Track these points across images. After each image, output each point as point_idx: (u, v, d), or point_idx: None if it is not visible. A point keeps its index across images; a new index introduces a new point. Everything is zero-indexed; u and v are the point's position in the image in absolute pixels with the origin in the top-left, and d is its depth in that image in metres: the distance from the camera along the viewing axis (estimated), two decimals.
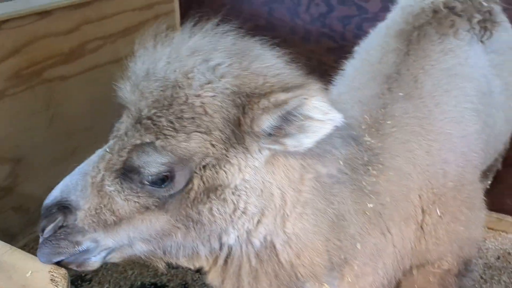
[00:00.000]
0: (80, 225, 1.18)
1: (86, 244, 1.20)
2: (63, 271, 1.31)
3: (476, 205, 1.82)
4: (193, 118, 1.13)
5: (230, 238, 1.26)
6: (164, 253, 1.27)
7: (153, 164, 1.13)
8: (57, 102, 3.24)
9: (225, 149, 1.16)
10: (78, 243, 1.20)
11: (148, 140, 1.13)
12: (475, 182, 1.81)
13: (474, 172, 1.79)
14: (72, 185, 1.19)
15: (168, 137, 1.13)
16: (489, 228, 4.32)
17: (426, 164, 1.67)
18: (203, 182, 1.17)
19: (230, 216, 1.22)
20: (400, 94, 1.71)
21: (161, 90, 1.15)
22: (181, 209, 1.19)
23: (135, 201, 1.17)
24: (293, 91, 1.13)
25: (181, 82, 1.16)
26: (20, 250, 1.34)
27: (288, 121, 1.15)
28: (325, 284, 1.45)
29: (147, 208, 1.18)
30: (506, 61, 2.08)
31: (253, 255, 1.31)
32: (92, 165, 1.20)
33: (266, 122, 1.14)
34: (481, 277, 3.80)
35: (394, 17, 1.91)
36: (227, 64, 1.19)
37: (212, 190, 1.19)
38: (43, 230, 1.19)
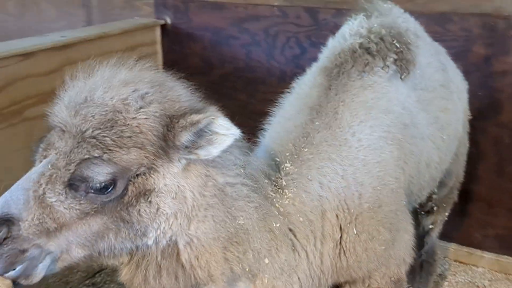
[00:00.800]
0: (24, 234, 1.35)
1: (31, 251, 1.36)
2: (7, 281, 1.45)
3: (396, 226, 1.97)
4: (130, 136, 1.40)
5: (149, 238, 1.48)
6: (99, 254, 1.46)
7: (101, 173, 1.36)
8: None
9: (154, 160, 1.43)
10: (25, 251, 1.35)
11: (96, 155, 1.37)
12: (395, 205, 1.96)
13: (392, 196, 1.94)
14: (12, 200, 1.37)
15: (113, 151, 1.37)
16: (459, 262, 4.42)
17: (341, 187, 1.85)
18: (135, 188, 1.41)
19: (153, 216, 1.45)
20: (321, 124, 1.90)
21: (103, 114, 1.40)
22: (116, 212, 1.41)
23: (76, 209, 1.38)
24: (204, 113, 1.44)
25: (119, 108, 1.42)
26: None
27: (200, 136, 1.44)
28: None
29: (87, 214, 1.39)
30: (435, 97, 2.28)
31: (160, 252, 1.51)
32: (32, 181, 1.39)
33: (185, 137, 1.43)
34: None
35: (322, 56, 2.13)
36: (152, 93, 1.47)
37: (141, 195, 1.43)
38: None
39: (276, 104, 2.11)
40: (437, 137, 2.26)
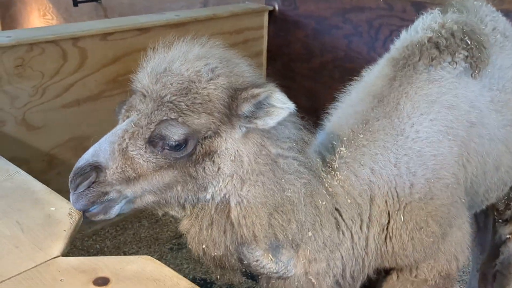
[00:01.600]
0: (109, 179, 1.60)
1: (112, 194, 1.62)
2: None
3: (448, 221, 1.98)
4: (201, 103, 1.60)
5: (208, 193, 1.68)
6: (166, 202, 1.68)
7: (176, 133, 1.57)
8: None
9: (220, 125, 1.62)
10: (107, 193, 1.61)
11: (173, 117, 1.58)
12: (448, 200, 1.96)
13: (446, 191, 1.95)
14: (101, 151, 1.62)
15: (187, 115, 1.58)
16: None
17: (393, 174, 1.90)
18: (202, 148, 1.62)
19: (215, 174, 1.65)
20: (381, 113, 1.96)
21: (179, 83, 1.61)
22: (185, 167, 1.62)
23: (153, 162, 1.60)
24: (263, 87, 1.61)
25: (193, 78, 1.62)
26: (54, 192, 1.80)
27: (259, 108, 1.62)
28: (270, 255, 1.77)
29: (161, 167, 1.61)
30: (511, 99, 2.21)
31: (214, 207, 1.70)
32: (117, 136, 1.63)
33: (246, 107, 1.61)
34: None
35: (393, 48, 2.17)
36: (220, 67, 1.66)
37: (207, 154, 1.63)
38: (77, 186, 1.59)
39: (344, 91, 2.20)
40: (510, 140, 2.19)
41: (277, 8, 4.75)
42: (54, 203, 1.74)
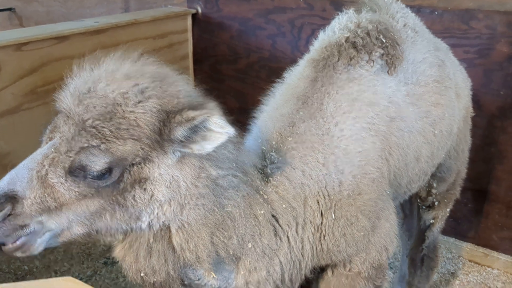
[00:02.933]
0: (27, 211, 1.48)
1: (32, 226, 1.50)
2: None
3: (376, 214, 2.05)
4: (128, 129, 1.50)
5: (143, 222, 1.60)
6: (96, 232, 1.59)
7: (98, 162, 1.47)
8: None
9: (149, 152, 1.53)
10: (26, 226, 1.49)
11: (94, 144, 1.48)
12: (375, 194, 2.04)
13: (372, 185, 2.02)
14: (18, 178, 1.50)
15: (110, 142, 1.48)
16: (474, 262, 4.41)
17: (322, 174, 1.94)
18: (131, 176, 1.53)
19: (148, 202, 1.57)
20: (306, 114, 2.00)
21: (103, 106, 1.51)
22: (112, 196, 1.53)
23: (75, 191, 1.50)
24: (200, 110, 1.54)
25: (119, 101, 1.52)
26: None
27: (195, 132, 1.55)
28: (212, 273, 1.76)
29: (85, 196, 1.51)
30: (427, 92, 2.32)
31: (152, 235, 1.64)
32: (36, 162, 1.52)
33: (179, 132, 1.53)
34: None
35: (312, 49, 2.22)
36: (152, 88, 1.56)
37: (136, 182, 1.55)
38: None
39: (268, 93, 2.22)
40: (427, 131, 2.31)
41: (200, 11, 4.73)
42: None
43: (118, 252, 1.69)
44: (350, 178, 1.98)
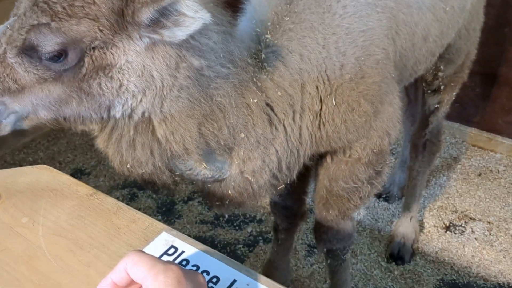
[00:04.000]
0: None
1: None
2: None
3: (379, 98, 1.94)
4: (82, 6, 1.33)
5: (116, 112, 1.49)
6: (65, 119, 1.49)
7: (48, 43, 1.33)
8: None
9: (111, 35, 1.37)
10: None
11: (44, 21, 1.32)
12: (379, 77, 1.90)
13: (377, 67, 1.88)
14: None
15: (62, 20, 1.32)
16: (478, 147, 4.40)
17: (322, 57, 1.79)
18: (92, 61, 1.39)
19: (116, 91, 1.44)
20: None
21: None
22: (75, 81, 1.40)
23: (34, 73, 1.38)
24: None
25: None
26: None
27: (165, 16, 1.36)
28: (204, 163, 1.68)
29: (45, 80, 1.39)
30: None
31: (132, 127, 1.53)
32: None
33: (145, 14, 1.35)
34: (457, 191, 3.94)
35: None
36: None
37: (100, 68, 1.41)
38: None
39: None
40: (438, 7, 2.12)
41: None
42: None
43: (100, 143, 1.60)
44: (353, 60, 1.84)
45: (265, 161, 1.82)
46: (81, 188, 1.58)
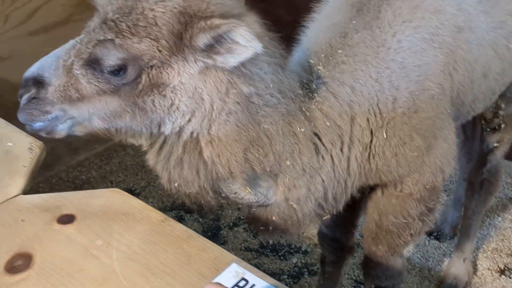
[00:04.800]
0: (50, 98, 1.50)
1: (55, 112, 1.53)
2: (40, 143, 1.65)
3: (433, 133, 1.90)
4: (145, 26, 1.44)
5: (166, 129, 1.56)
6: (116, 131, 1.58)
7: (111, 57, 1.44)
8: None
9: (168, 56, 1.46)
10: (47, 112, 1.52)
11: (109, 37, 1.44)
12: (433, 112, 1.87)
13: (431, 102, 1.85)
14: (47, 65, 1.51)
15: (125, 37, 1.44)
16: None
17: (374, 90, 1.79)
18: (149, 79, 1.48)
19: (168, 109, 1.52)
20: (360, 23, 1.81)
21: (124, 0, 1.46)
22: (131, 96, 1.50)
23: (95, 85, 1.49)
24: (227, 19, 1.43)
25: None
26: (11, 124, 1.71)
27: (220, 42, 1.45)
28: (248, 188, 1.70)
29: (104, 92, 1.50)
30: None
31: (181, 145, 1.58)
32: (64, 52, 1.52)
33: (202, 39, 1.44)
34: None
35: None
36: None
37: (155, 86, 1.49)
38: (20, 97, 1.52)
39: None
40: (500, 44, 2.06)
41: None
42: (12, 137, 1.64)
43: (150, 160, 1.67)
44: (406, 94, 1.81)
45: (310, 189, 1.81)
46: (152, 213, 1.62)
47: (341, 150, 1.82)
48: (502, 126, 2.70)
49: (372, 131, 1.83)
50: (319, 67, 1.80)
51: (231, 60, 1.46)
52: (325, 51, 1.83)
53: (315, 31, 1.93)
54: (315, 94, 1.77)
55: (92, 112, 1.52)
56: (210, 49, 1.45)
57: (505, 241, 3.62)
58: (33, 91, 1.49)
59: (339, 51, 1.80)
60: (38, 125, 1.55)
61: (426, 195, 2.04)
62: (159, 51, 1.44)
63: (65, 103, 1.51)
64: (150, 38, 1.43)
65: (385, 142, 1.84)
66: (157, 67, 1.47)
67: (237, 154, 1.60)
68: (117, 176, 4.25)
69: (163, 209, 3.90)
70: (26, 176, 1.47)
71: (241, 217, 3.81)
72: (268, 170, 1.68)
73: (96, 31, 1.46)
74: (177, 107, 1.51)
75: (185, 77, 1.48)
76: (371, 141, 1.85)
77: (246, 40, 1.41)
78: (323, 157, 1.80)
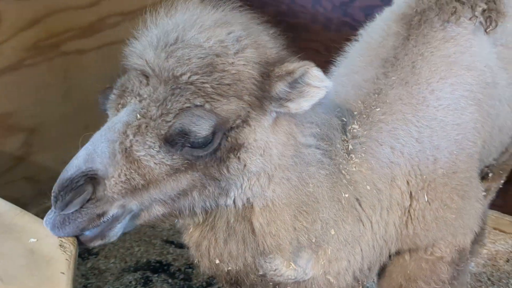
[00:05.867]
0: (109, 194, 1.20)
1: (112, 212, 1.23)
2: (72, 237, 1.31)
3: (469, 194, 1.82)
4: (230, 84, 1.26)
5: (230, 198, 1.37)
6: (178, 212, 1.35)
7: (203, 126, 1.21)
8: (73, 76, 3.27)
9: (250, 112, 1.30)
10: (104, 213, 1.22)
11: (198, 103, 1.22)
12: (470, 171, 1.80)
13: (468, 161, 1.78)
14: (97, 154, 1.21)
15: (215, 100, 1.23)
16: (500, 231, 4.26)
17: (415, 151, 1.68)
18: (228, 142, 1.29)
19: (240, 173, 1.33)
20: (396, 79, 1.71)
21: (200, 58, 1.25)
22: (206, 168, 1.28)
23: (167, 164, 1.23)
24: (297, 62, 1.32)
25: (217, 51, 1.26)
26: (30, 214, 1.34)
27: (292, 88, 1.32)
28: (292, 263, 1.52)
29: (176, 170, 1.25)
30: None
31: (233, 214, 1.41)
32: (117, 132, 1.22)
33: (279, 87, 1.31)
34: (489, 279, 3.76)
35: (399, 1, 1.91)
36: (245, 36, 1.32)
37: (232, 150, 1.30)
38: (66, 205, 1.17)
39: (339, 52, 1.91)
40: None
41: None
42: (31, 229, 1.28)
43: (194, 236, 1.47)
44: (447, 154, 1.72)
45: (350, 261, 1.66)
46: None
47: (380, 216, 1.68)
48: (490, 175, 2.72)
49: (411, 194, 1.71)
50: (354, 125, 1.67)
51: (305, 104, 1.33)
52: (359, 108, 1.71)
53: (343, 87, 1.80)
54: (352, 155, 1.63)
55: (154, 198, 1.26)
56: (285, 96, 1.32)
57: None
58: (89, 189, 1.17)
59: (376, 109, 1.68)
60: (91, 232, 1.24)
61: (457, 257, 1.93)
62: (243, 108, 1.27)
63: (127, 196, 1.23)
64: (236, 96, 1.26)
65: (425, 205, 1.72)
66: (236, 128, 1.29)
67: (287, 221, 1.45)
68: None
69: (127, 270, 3.51)
70: (68, 286, 1.13)
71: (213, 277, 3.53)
72: (314, 241, 1.52)
73: (172, 99, 1.21)
74: (248, 169, 1.33)
75: (259, 132, 1.32)
76: (410, 204, 1.72)
77: (320, 80, 1.30)
78: (363, 224, 1.65)
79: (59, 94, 3.25)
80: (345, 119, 1.69)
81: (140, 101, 1.23)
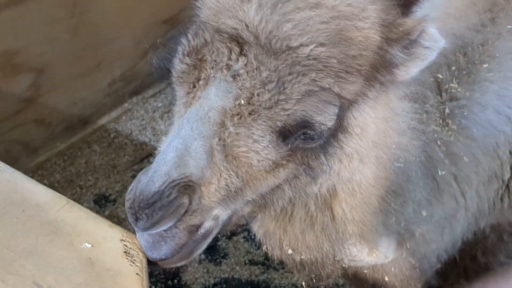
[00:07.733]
0: (207, 203, 0.97)
1: (209, 223, 1.00)
2: (135, 238, 1.04)
3: None
4: (355, 56, 0.97)
5: (317, 186, 1.13)
6: (265, 207, 1.12)
7: (330, 115, 0.95)
8: (82, 10, 2.93)
9: (363, 88, 1.03)
10: (199, 226, 0.99)
11: (327, 86, 0.93)
12: None
13: None
14: (189, 155, 0.94)
15: (342, 80, 0.96)
16: None
17: None
18: (333, 127, 1.03)
19: (334, 157, 1.08)
20: (508, 27, 1.40)
21: (324, 22, 0.94)
22: (305, 157, 1.04)
23: (270, 159, 0.98)
24: (411, 19, 1.05)
25: (346, 12, 0.97)
26: (78, 205, 1.06)
27: (404, 51, 1.06)
28: (375, 251, 1.32)
29: (277, 165, 1.00)
30: None
31: (313, 201, 1.19)
32: (212, 123, 0.95)
33: (394, 53, 1.04)
34: None
35: None
36: None
37: (332, 136, 1.04)
38: (156, 223, 0.92)
39: None
40: None
41: None
42: (83, 228, 0.99)
43: (266, 227, 1.28)
44: None
45: (438, 242, 1.48)
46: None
47: (476, 191, 1.46)
48: None
49: None
50: (452, 84, 1.40)
51: (414, 69, 1.07)
52: (458, 63, 1.43)
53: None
54: (449, 121, 1.38)
55: (247, 201, 1.03)
56: (392, 62, 1.05)
57: None
58: (184, 202, 0.92)
59: (483, 65, 1.39)
60: (184, 249, 1.00)
61: None
62: (362, 86, 1.01)
63: (222, 203, 0.99)
64: (359, 72, 0.98)
65: None
66: (347, 110, 1.02)
67: (373, 204, 1.22)
68: (86, 180, 3.58)
69: None
70: None
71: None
72: (402, 225, 1.32)
73: (293, 79, 0.92)
74: (344, 151, 1.08)
75: (359, 110, 1.05)
76: (510, 177, 1.49)
77: (434, 40, 1.04)
78: (457, 202, 1.44)
79: (67, 30, 2.91)
80: (441, 76, 1.41)
81: (234, 78, 0.93)
